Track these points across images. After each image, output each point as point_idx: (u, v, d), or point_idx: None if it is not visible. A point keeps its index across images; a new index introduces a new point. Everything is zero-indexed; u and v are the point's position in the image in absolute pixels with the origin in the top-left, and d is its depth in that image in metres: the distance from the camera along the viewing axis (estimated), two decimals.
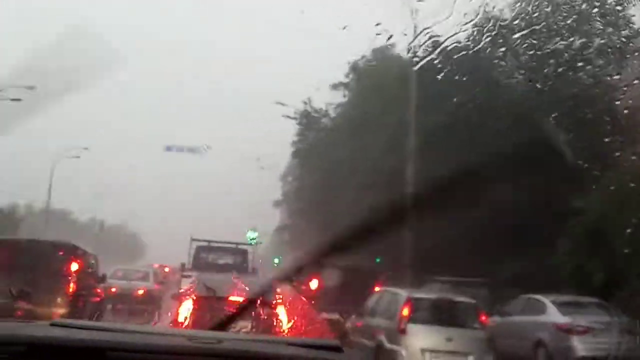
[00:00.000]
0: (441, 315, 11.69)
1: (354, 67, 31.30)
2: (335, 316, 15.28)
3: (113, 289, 20.82)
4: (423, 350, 11.16)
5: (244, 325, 10.33)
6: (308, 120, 36.94)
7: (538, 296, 15.12)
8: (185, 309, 10.88)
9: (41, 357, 1.64)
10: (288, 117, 36.35)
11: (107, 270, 24.47)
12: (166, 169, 56.17)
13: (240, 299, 10.44)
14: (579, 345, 13.07)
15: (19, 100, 37.88)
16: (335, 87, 33.15)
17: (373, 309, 13.31)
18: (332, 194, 28.55)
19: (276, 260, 49.31)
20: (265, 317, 10.56)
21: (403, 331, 11.43)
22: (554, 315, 14.27)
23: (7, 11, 69.50)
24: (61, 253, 12.72)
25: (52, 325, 1.89)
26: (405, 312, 11.62)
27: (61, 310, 12.20)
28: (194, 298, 11.03)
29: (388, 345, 11.64)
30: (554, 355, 13.65)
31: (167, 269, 37.16)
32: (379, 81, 25.23)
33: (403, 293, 12.43)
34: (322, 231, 32.88)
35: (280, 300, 11.12)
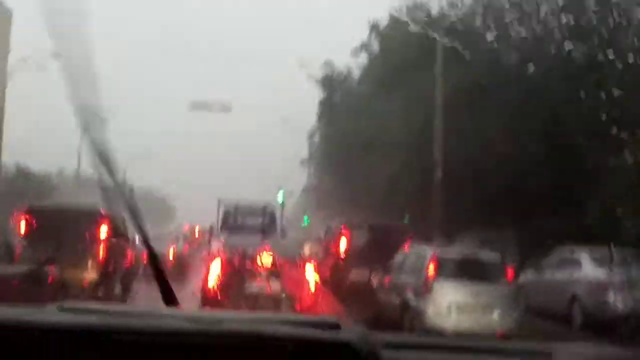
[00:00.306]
0: (467, 271, 11.62)
1: (376, 27, 30.70)
2: (364, 274, 15.31)
3: (143, 253, 21.19)
4: (449, 306, 11.16)
5: (273, 286, 10.44)
6: (331, 82, 36.58)
7: (573, 250, 14.87)
8: (215, 272, 10.99)
9: (49, 342, 1.68)
10: (311, 77, 36.10)
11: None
12: (192, 131, 56.40)
13: (269, 260, 10.54)
14: (616, 300, 12.86)
15: (43, 69, 38.38)
16: (357, 49, 32.65)
17: (400, 266, 13.30)
18: (359, 153, 28.42)
19: (304, 220, 49.51)
20: (293, 277, 10.65)
21: (429, 288, 11.42)
22: (589, 269, 14.06)
23: None
24: (89, 218, 12.72)
25: (61, 310, 1.93)
26: (431, 268, 11.58)
27: (91, 276, 12.38)
28: (223, 260, 11.13)
29: (414, 302, 11.66)
30: (589, 310, 13.42)
31: (197, 231, 37.72)
32: (404, 39, 24.81)
33: (429, 250, 12.39)
34: (350, 190, 32.87)
35: (308, 260, 11.21)
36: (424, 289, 11.48)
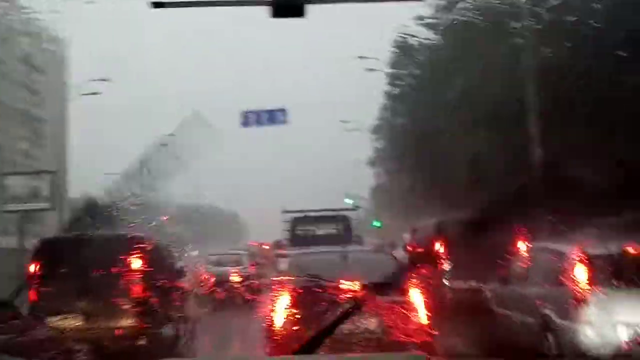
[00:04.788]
0: (632, 273, 8.37)
1: None
2: (471, 285, 12.34)
3: (205, 277, 19.14)
4: (617, 324, 7.91)
5: (370, 323, 7.58)
6: (399, 61, 33.63)
7: None
8: (283, 306, 8.19)
9: None
10: (372, 70, 33.20)
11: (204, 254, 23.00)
12: (250, 142, 54.52)
13: (356, 286, 7.55)
14: None
15: (97, 93, 37.71)
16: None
17: (525, 273, 10.21)
18: (436, 137, 25.20)
19: (376, 224, 46.40)
20: (395, 307, 7.64)
21: (582, 300, 8.23)
22: None
23: None
24: (122, 248, 9.90)
25: None
26: (582, 274, 8.40)
27: (127, 322, 9.65)
28: (292, 290, 8.30)
29: (560, 320, 8.51)
30: None
31: (266, 247, 35.69)
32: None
33: (570, 248, 9.09)
34: (426, 184, 29.62)
35: (410, 279, 8.17)
36: (574, 302, 8.29)
